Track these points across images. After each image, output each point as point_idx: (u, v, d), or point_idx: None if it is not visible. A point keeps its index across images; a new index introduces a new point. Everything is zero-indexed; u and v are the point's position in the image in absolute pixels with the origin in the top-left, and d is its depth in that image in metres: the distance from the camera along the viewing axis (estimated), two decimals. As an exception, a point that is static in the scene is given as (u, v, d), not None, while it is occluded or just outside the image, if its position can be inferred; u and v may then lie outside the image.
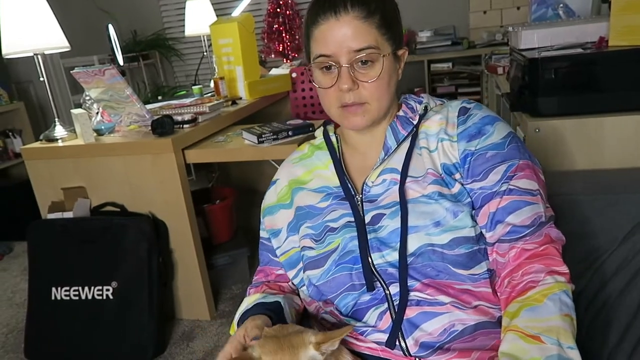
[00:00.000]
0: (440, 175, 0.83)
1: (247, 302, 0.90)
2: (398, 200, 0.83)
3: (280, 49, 4.39)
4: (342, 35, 0.80)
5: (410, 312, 0.79)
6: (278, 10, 4.33)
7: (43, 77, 2.05)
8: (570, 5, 1.71)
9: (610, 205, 1.00)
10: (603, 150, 1.28)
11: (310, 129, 1.96)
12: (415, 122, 0.88)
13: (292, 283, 0.98)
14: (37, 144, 2.10)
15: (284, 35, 4.36)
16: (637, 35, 1.25)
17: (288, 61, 4.32)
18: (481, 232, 0.82)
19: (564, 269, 0.77)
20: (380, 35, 0.81)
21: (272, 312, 0.85)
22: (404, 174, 0.84)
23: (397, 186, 0.84)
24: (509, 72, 1.76)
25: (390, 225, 0.82)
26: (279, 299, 0.88)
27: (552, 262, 0.77)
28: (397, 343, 0.79)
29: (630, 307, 0.95)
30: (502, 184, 0.80)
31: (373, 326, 0.81)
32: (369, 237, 0.83)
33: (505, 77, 2.07)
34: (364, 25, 0.80)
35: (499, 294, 0.82)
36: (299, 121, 2.01)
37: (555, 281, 0.75)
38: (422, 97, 0.92)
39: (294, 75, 2.94)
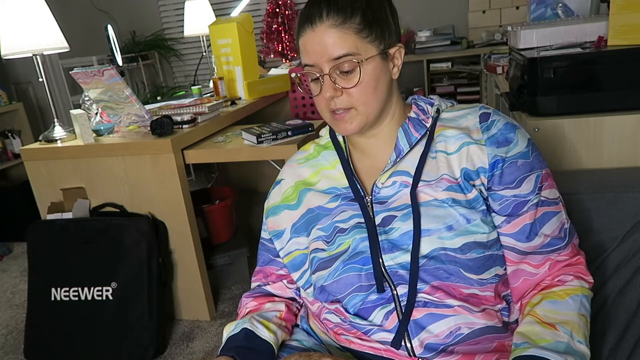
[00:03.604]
0: (457, 180, 0.82)
1: (225, 335, 0.92)
2: (409, 202, 0.82)
3: (280, 49, 4.39)
4: (320, 44, 0.80)
5: (417, 314, 0.79)
6: (277, 10, 4.33)
7: (42, 77, 2.05)
8: (569, 5, 1.71)
9: (610, 204, 1.01)
10: (602, 149, 1.28)
11: (310, 129, 1.96)
12: (428, 125, 0.88)
13: (290, 282, 0.98)
14: (36, 145, 2.10)
15: (283, 35, 4.36)
16: (636, 35, 1.26)
17: (287, 61, 4.31)
18: (496, 238, 0.82)
19: (590, 278, 0.82)
20: (361, 39, 0.80)
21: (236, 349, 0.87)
22: (417, 177, 0.84)
23: (408, 189, 0.84)
24: (508, 72, 1.76)
25: (402, 227, 0.82)
26: (247, 326, 0.90)
27: (581, 271, 0.82)
28: (403, 343, 0.79)
29: (629, 306, 0.96)
30: (535, 195, 0.82)
31: (379, 325, 0.81)
32: (379, 239, 0.83)
33: (505, 77, 2.07)
34: (339, 33, 0.79)
35: (522, 299, 0.83)
36: (298, 121, 2.01)
37: (580, 285, 0.80)
38: (433, 99, 0.92)
39: (293, 75, 2.94)
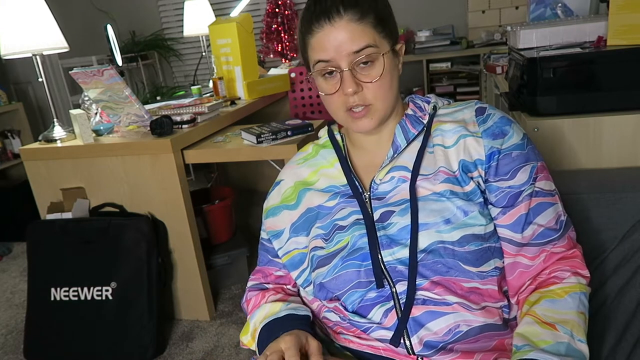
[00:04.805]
0: (454, 173, 0.83)
1: (270, 310, 0.90)
2: (407, 197, 0.83)
3: (279, 49, 4.39)
4: (339, 39, 0.79)
5: (416, 311, 0.79)
6: (277, 10, 4.33)
7: (42, 77, 2.05)
8: (568, 5, 1.71)
9: (610, 204, 1.01)
10: (602, 149, 1.28)
11: (310, 128, 1.96)
12: (425, 122, 0.89)
13: (292, 287, 0.98)
14: (35, 145, 2.10)
15: (282, 35, 4.36)
16: (635, 34, 1.26)
17: (287, 61, 4.31)
18: (493, 230, 0.83)
19: (587, 273, 0.82)
20: (377, 33, 0.81)
21: (308, 327, 0.86)
22: (415, 171, 0.84)
23: (406, 184, 0.84)
24: (508, 72, 1.76)
25: (400, 222, 0.82)
26: (309, 314, 0.90)
27: (577, 265, 0.82)
28: (402, 341, 0.79)
29: (628, 306, 0.96)
30: (529, 185, 0.82)
31: (378, 323, 0.81)
32: (378, 235, 0.83)
33: (504, 77, 2.07)
34: (359, 27, 0.79)
35: (519, 294, 0.83)
36: (298, 121, 2.01)
37: (577, 282, 0.80)
38: (430, 97, 0.93)
39: (292, 75, 2.94)
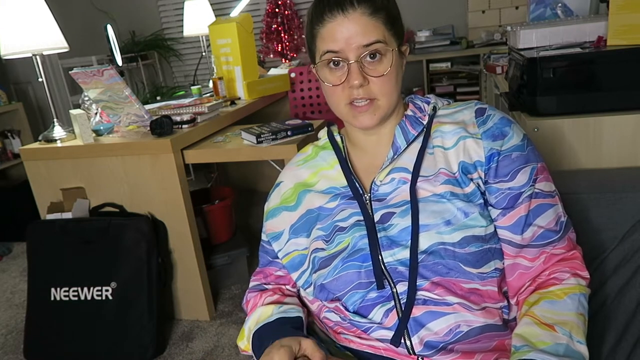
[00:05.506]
0: (454, 174, 0.83)
1: (262, 314, 0.90)
2: (408, 199, 0.83)
3: (279, 49, 4.39)
4: (351, 31, 0.80)
5: (417, 311, 0.79)
6: (277, 10, 4.33)
7: (42, 77, 2.05)
8: (568, 5, 1.71)
9: (610, 204, 1.01)
10: (602, 149, 1.28)
11: (310, 128, 1.96)
12: (424, 122, 0.89)
13: (292, 287, 0.98)
14: (35, 145, 2.10)
15: (282, 35, 4.36)
16: (635, 34, 1.26)
17: (287, 61, 4.32)
18: (494, 231, 0.83)
19: (586, 274, 0.82)
20: (387, 30, 0.82)
21: (298, 330, 0.86)
22: (416, 173, 0.84)
23: (407, 185, 0.84)
24: (508, 72, 1.76)
25: (401, 223, 0.82)
26: (301, 315, 0.90)
27: (577, 266, 0.82)
28: (402, 341, 0.79)
29: (628, 306, 0.96)
30: (529, 186, 0.82)
31: (378, 323, 0.81)
32: (379, 236, 0.83)
33: (504, 77, 2.07)
34: (371, 21, 0.80)
35: (519, 294, 0.83)
36: (298, 121, 2.01)
37: (577, 283, 0.79)
38: (429, 98, 0.93)
39: (292, 75, 2.94)
